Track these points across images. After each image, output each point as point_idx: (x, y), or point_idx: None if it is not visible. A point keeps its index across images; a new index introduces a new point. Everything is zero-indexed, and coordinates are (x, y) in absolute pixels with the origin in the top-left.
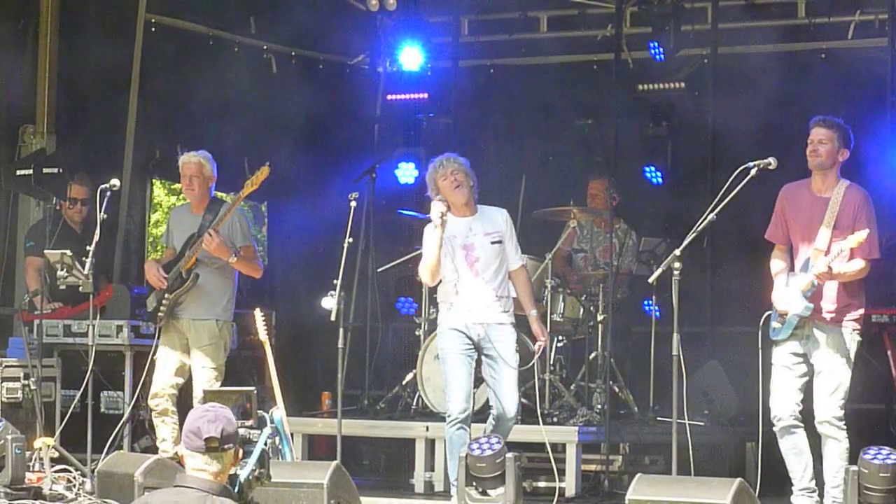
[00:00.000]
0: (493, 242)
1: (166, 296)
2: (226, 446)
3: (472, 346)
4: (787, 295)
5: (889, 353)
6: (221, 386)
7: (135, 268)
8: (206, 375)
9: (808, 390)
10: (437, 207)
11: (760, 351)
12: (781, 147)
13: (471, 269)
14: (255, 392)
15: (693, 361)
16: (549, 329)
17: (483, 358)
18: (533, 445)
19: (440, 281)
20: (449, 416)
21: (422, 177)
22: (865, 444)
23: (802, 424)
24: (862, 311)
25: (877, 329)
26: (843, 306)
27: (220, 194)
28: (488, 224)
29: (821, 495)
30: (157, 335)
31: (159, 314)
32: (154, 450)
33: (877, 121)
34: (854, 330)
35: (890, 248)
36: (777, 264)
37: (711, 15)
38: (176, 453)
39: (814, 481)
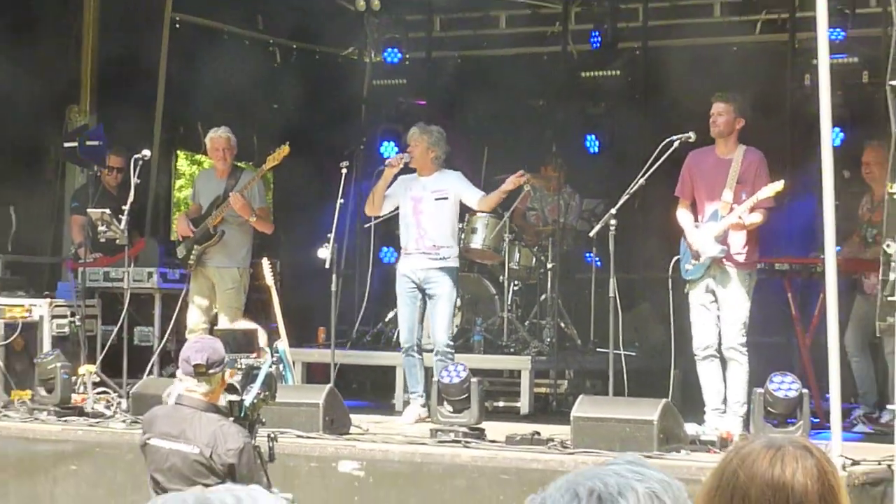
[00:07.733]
0: (437, 199)
1: (195, 247)
2: (211, 371)
3: (416, 288)
4: (702, 240)
5: (789, 294)
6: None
7: (162, 225)
8: (229, 314)
9: None
10: (399, 156)
11: (671, 291)
12: (701, 122)
13: (417, 221)
14: (258, 330)
15: (626, 302)
16: (506, 275)
17: (425, 297)
18: (494, 372)
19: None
20: (401, 346)
21: (401, 150)
22: (770, 370)
23: (719, 355)
24: (758, 254)
25: (779, 275)
26: (743, 250)
27: (239, 163)
28: (439, 184)
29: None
30: (188, 280)
31: (189, 262)
32: None
33: (777, 99)
34: (752, 270)
35: (792, 206)
36: (685, 216)
37: (643, 14)
38: None
39: (725, 402)
